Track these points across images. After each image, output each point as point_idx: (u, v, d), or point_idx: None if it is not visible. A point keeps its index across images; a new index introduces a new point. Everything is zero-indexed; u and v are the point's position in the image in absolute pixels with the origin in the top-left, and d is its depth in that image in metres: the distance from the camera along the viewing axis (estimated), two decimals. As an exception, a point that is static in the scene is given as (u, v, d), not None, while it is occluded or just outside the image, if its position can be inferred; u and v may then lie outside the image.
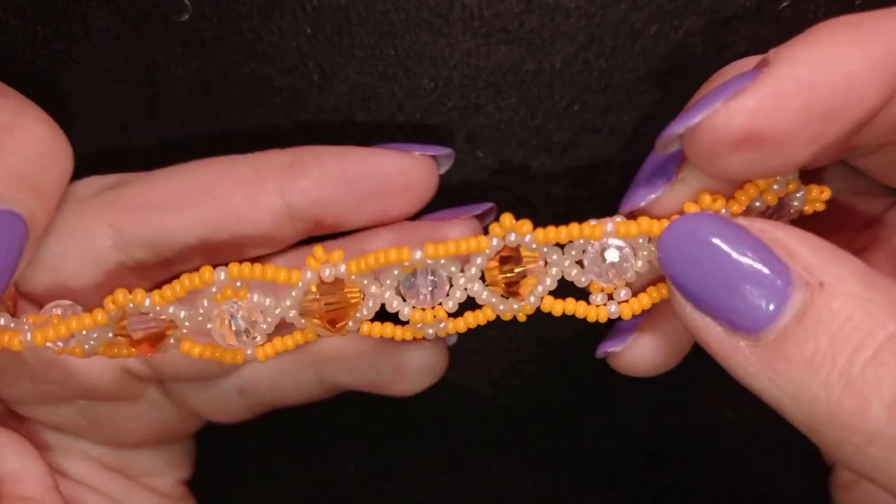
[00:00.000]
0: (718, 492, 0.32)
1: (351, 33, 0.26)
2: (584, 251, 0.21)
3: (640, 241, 0.21)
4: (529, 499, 0.33)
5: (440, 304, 0.22)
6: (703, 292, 0.18)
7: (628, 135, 0.27)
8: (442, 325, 0.22)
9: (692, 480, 0.32)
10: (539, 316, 0.30)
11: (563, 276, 0.22)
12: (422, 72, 0.26)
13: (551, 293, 0.22)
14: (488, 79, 0.26)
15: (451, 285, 0.22)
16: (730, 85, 0.18)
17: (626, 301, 0.21)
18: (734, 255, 0.18)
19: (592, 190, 0.27)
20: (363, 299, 0.22)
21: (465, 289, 0.22)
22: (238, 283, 0.21)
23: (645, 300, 0.21)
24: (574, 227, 0.21)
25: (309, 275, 0.21)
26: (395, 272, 0.22)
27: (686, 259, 0.19)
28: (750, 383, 0.19)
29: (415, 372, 0.25)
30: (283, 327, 0.22)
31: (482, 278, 0.22)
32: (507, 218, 0.21)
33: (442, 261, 0.21)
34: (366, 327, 0.22)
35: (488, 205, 0.24)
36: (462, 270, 0.22)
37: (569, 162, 0.27)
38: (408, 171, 0.23)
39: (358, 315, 0.22)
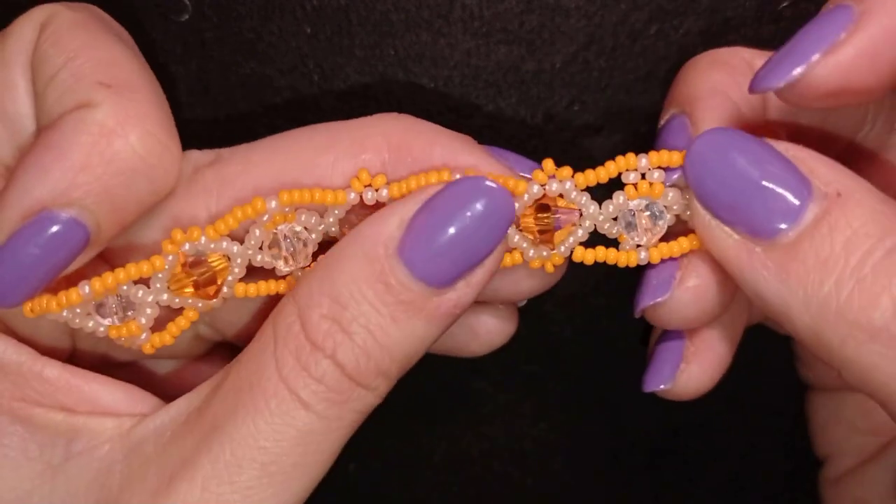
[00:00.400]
0: (718, 492, 0.32)
1: (351, 33, 0.26)
2: (619, 212, 0.22)
3: (671, 196, 0.21)
4: (529, 499, 0.33)
5: None
6: (727, 198, 0.19)
7: (628, 135, 0.27)
8: None
9: (692, 480, 0.32)
10: (539, 316, 0.30)
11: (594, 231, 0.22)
12: (422, 72, 0.26)
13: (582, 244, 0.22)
14: (488, 79, 0.26)
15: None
16: (824, 31, 0.19)
17: (656, 247, 0.22)
18: (759, 163, 0.19)
19: (593, 190, 0.27)
20: None
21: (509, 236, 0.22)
22: (287, 210, 0.22)
23: (675, 248, 0.22)
24: (610, 164, 0.21)
25: (352, 195, 0.21)
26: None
27: (712, 166, 0.20)
28: (761, 289, 0.19)
29: (488, 333, 0.26)
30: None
31: (516, 223, 0.22)
32: (548, 163, 0.21)
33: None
34: None
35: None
36: None
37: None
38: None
39: None
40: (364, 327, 0.20)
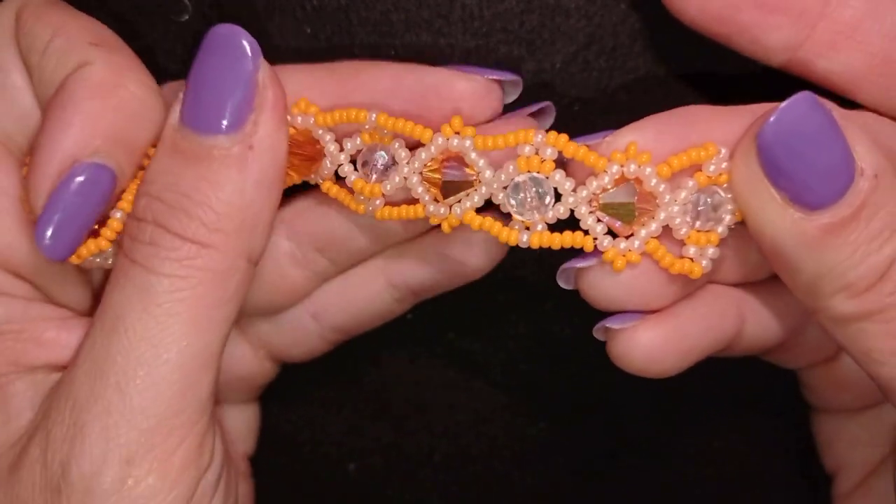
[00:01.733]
0: (719, 492, 0.33)
1: (351, 33, 0.26)
2: (512, 178, 0.21)
3: (557, 177, 0.21)
4: (529, 499, 0.33)
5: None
6: (789, 167, 0.20)
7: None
8: (377, 202, 0.23)
9: (692, 480, 0.32)
10: (539, 315, 0.30)
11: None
12: (422, 72, 0.26)
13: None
14: (488, 79, 0.26)
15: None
16: None
17: (539, 233, 0.22)
18: (822, 133, 0.20)
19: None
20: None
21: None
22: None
23: (558, 239, 0.22)
24: (510, 135, 0.21)
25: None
26: (358, 141, 0.23)
27: (790, 136, 0.20)
28: (784, 248, 0.21)
29: (482, 242, 0.26)
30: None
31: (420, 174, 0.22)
32: (456, 120, 0.22)
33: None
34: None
35: (545, 103, 0.24)
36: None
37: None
38: (475, 94, 0.23)
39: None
40: (176, 192, 0.21)
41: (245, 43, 0.22)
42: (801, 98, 0.20)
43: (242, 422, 0.30)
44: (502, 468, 0.33)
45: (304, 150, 0.24)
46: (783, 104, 0.20)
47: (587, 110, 0.26)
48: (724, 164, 0.21)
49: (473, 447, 0.32)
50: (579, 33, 0.26)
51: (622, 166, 0.21)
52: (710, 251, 0.22)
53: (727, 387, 0.31)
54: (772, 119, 0.20)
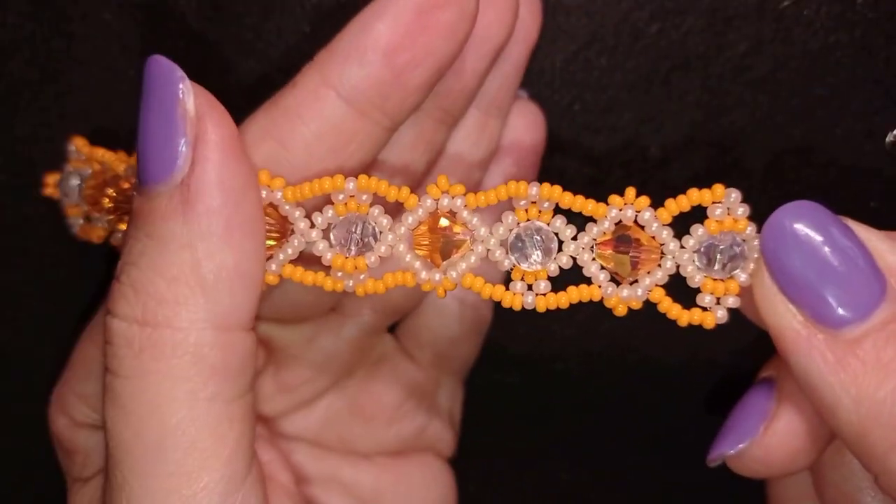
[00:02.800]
0: (720, 492, 0.32)
1: (351, 32, 0.26)
2: (510, 230, 0.20)
3: (558, 224, 0.20)
4: (529, 499, 0.33)
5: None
6: (800, 280, 0.18)
7: (629, 134, 0.27)
8: (362, 278, 0.21)
9: (693, 481, 0.32)
10: (540, 316, 0.30)
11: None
12: (422, 71, 0.26)
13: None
14: (489, 78, 0.26)
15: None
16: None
17: (544, 295, 0.20)
18: (839, 252, 0.18)
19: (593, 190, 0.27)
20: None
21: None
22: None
23: (563, 298, 0.20)
24: (502, 188, 0.20)
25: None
26: (329, 213, 0.21)
27: (791, 242, 0.19)
28: (812, 376, 0.18)
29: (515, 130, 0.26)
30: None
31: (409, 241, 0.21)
32: (442, 179, 0.20)
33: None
34: (288, 270, 0.21)
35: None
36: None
37: (570, 161, 0.27)
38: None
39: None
40: (126, 263, 0.19)
41: (163, 71, 0.19)
42: (802, 203, 0.19)
43: (435, 489, 0.30)
44: (503, 468, 0.33)
45: (274, 228, 0.21)
46: (788, 203, 0.19)
47: (588, 109, 0.26)
48: (739, 210, 0.19)
49: (473, 447, 0.32)
50: (580, 32, 0.26)
51: (620, 211, 0.20)
52: (731, 300, 0.20)
53: (729, 386, 0.30)
54: (771, 216, 0.19)
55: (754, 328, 0.21)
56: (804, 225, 0.18)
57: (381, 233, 0.20)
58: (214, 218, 0.19)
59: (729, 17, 0.25)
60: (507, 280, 0.21)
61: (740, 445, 0.22)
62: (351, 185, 0.20)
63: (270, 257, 0.21)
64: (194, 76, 0.27)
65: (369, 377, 0.28)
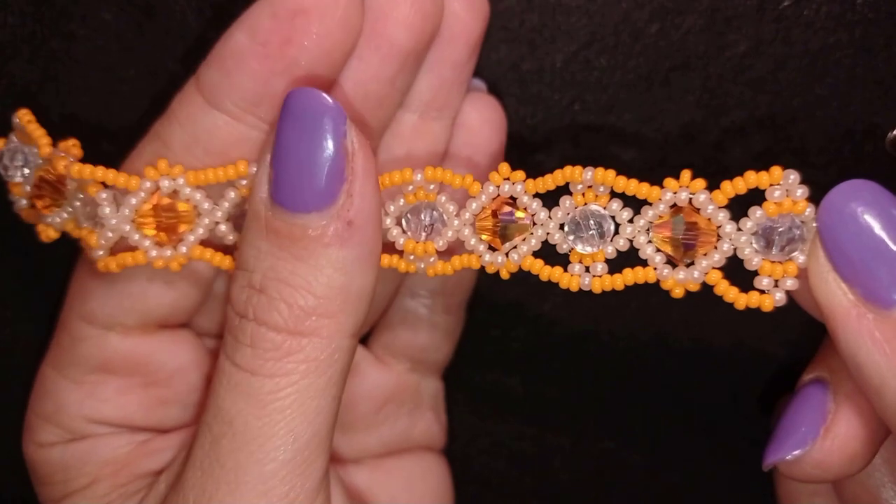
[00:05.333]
0: (720, 492, 0.32)
1: (351, 32, 0.26)
2: (568, 214, 0.21)
3: (614, 206, 0.21)
4: (529, 499, 0.33)
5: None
6: (855, 258, 0.19)
7: (629, 134, 0.27)
8: (431, 260, 0.22)
9: (693, 481, 0.32)
10: (539, 315, 0.30)
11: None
12: (422, 71, 0.26)
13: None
14: (488, 77, 0.26)
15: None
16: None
17: (599, 277, 0.21)
18: (894, 231, 0.18)
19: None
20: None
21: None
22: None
23: (619, 280, 0.21)
24: (559, 173, 0.21)
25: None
26: (401, 202, 0.22)
27: (849, 220, 0.19)
28: (861, 356, 0.19)
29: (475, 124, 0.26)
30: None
31: (472, 224, 0.22)
32: (504, 167, 0.21)
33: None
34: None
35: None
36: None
37: (569, 162, 0.27)
38: None
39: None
40: (274, 279, 0.20)
41: (329, 112, 0.20)
42: (860, 182, 0.19)
43: (430, 484, 0.30)
44: (502, 468, 0.33)
45: None
46: (846, 182, 0.19)
47: (588, 109, 0.26)
48: (798, 191, 0.19)
49: (473, 447, 0.32)
50: (580, 32, 0.26)
51: (675, 193, 0.20)
52: (789, 283, 0.20)
53: (730, 385, 0.30)
54: (829, 193, 0.19)
55: (762, 325, 0.21)
56: (862, 204, 0.19)
57: (447, 219, 0.22)
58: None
59: (729, 17, 0.25)
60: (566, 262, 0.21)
61: (797, 451, 0.21)
62: (418, 176, 0.21)
63: None
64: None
65: None
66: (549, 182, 0.21)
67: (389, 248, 0.22)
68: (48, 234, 0.23)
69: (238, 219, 0.23)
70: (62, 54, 0.27)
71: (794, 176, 0.19)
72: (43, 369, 0.25)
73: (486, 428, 0.32)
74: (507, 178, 0.21)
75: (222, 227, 0.22)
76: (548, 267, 0.21)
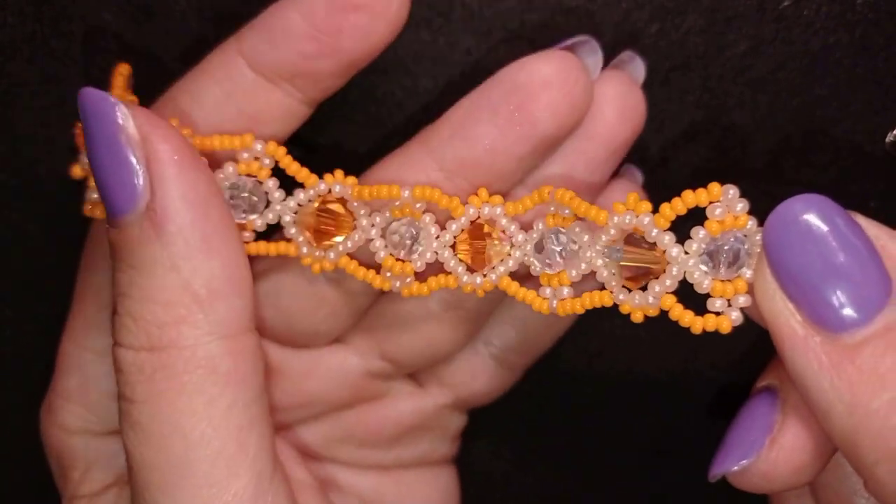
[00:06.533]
0: (720, 492, 0.32)
1: (351, 32, 0.26)
2: (543, 236, 0.21)
3: (578, 229, 0.21)
4: (529, 498, 0.33)
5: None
6: (802, 277, 0.18)
7: (629, 134, 0.27)
8: (408, 280, 0.22)
9: (693, 481, 0.32)
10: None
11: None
12: (422, 71, 0.26)
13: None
14: (489, 77, 0.26)
15: (424, 247, 0.22)
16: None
17: (563, 300, 0.21)
18: (846, 247, 0.17)
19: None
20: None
21: (437, 252, 0.22)
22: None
23: (579, 303, 0.21)
24: (535, 194, 0.21)
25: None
26: (387, 215, 0.22)
27: (795, 236, 0.18)
28: (807, 378, 0.18)
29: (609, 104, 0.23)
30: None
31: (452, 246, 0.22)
32: (483, 191, 0.21)
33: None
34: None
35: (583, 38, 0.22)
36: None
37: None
38: (554, 75, 0.21)
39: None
40: (119, 295, 0.20)
41: (97, 102, 0.19)
42: (810, 195, 0.18)
43: (437, 489, 0.29)
44: (503, 468, 0.33)
45: (328, 222, 0.22)
46: (794, 196, 0.18)
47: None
48: (738, 206, 0.19)
49: (473, 447, 0.32)
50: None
51: (620, 217, 0.19)
52: (741, 300, 0.19)
53: (730, 385, 0.30)
54: (776, 208, 0.18)
55: (754, 332, 0.21)
56: (810, 217, 0.18)
57: (427, 239, 0.22)
58: (189, 234, 0.19)
59: (729, 17, 0.25)
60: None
61: (744, 462, 0.21)
62: (406, 193, 0.21)
63: (330, 247, 0.22)
64: (194, 76, 0.27)
65: (368, 409, 0.27)
66: (527, 203, 0.21)
67: (369, 261, 0.22)
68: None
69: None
70: (62, 54, 0.27)
71: (733, 191, 0.19)
72: (63, 347, 0.24)
73: (487, 428, 0.32)
74: (487, 202, 0.21)
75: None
76: (522, 288, 0.21)
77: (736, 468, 0.21)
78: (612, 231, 0.20)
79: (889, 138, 0.26)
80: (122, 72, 0.24)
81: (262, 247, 0.23)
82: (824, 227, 0.18)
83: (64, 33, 0.27)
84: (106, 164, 0.19)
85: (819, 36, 0.25)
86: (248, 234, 0.23)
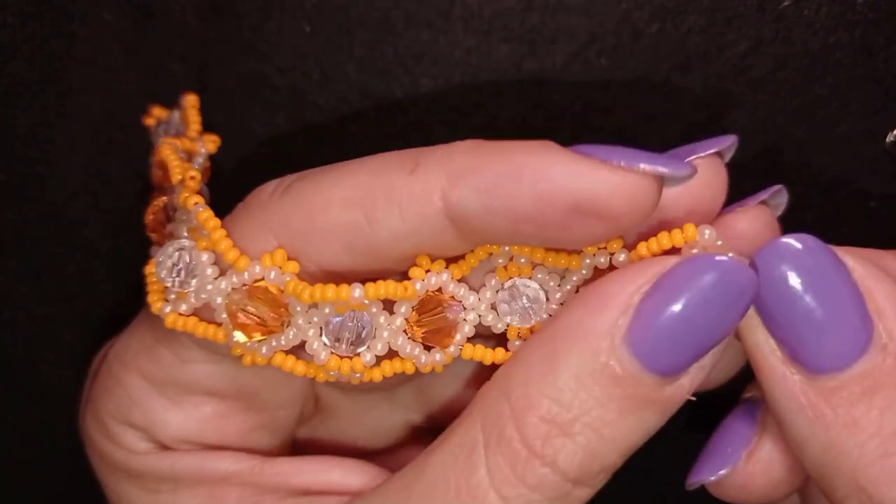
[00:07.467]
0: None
1: (351, 32, 0.26)
2: (496, 291, 0.20)
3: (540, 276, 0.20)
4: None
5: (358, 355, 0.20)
6: (785, 317, 0.18)
7: (630, 134, 0.27)
8: (357, 376, 0.21)
9: (671, 490, 0.32)
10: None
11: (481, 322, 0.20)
12: (422, 71, 0.26)
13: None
14: (489, 77, 0.26)
15: (374, 337, 0.20)
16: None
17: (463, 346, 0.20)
18: (826, 300, 0.18)
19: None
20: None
21: (389, 342, 0.20)
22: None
23: (478, 353, 0.21)
24: (479, 250, 0.20)
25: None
26: (327, 310, 0.20)
27: (779, 282, 0.18)
28: (784, 413, 0.18)
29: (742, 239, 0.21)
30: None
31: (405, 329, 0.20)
32: (423, 259, 0.20)
33: (374, 309, 0.20)
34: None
35: (729, 139, 0.20)
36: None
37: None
38: (623, 193, 0.17)
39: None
40: (588, 426, 0.18)
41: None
42: (802, 236, 0.18)
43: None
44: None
45: (265, 313, 0.20)
46: (780, 239, 0.18)
47: (588, 109, 0.26)
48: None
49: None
50: (581, 32, 0.26)
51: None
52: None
53: (729, 385, 0.30)
54: (761, 250, 0.18)
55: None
56: (793, 268, 0.18)
57: (377, 329, 0.20)
58: None
59: (729, 17, 0.25)
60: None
61: (721, 472, 0.21)
62: (357, 292, 0.19)
63: (262, 340, 0.20)
64: (194, 76, 0.27)
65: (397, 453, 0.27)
66: (472, 262, 0.20)
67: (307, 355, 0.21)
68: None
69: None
70: (62, 54, 0.27)
71: (709, 231, 0.18)
72: (125, 376, 0.23)
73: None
74: (429, 270, 0.20)
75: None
76: (489, 350, 0.21)
77: (713, 478, 0.21)
78: (584, 272, 0.20)
79: (889, 138, 0.26)
80: (193, 103, 0.24)
81: (191, 325, 0.21)
82: (804, 282, 0.18)
83: (64, 33, 0.27)
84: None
85: (819, 36, 0.25)
86: (184, 308, 0.21)
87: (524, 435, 0.18)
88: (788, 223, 0.28)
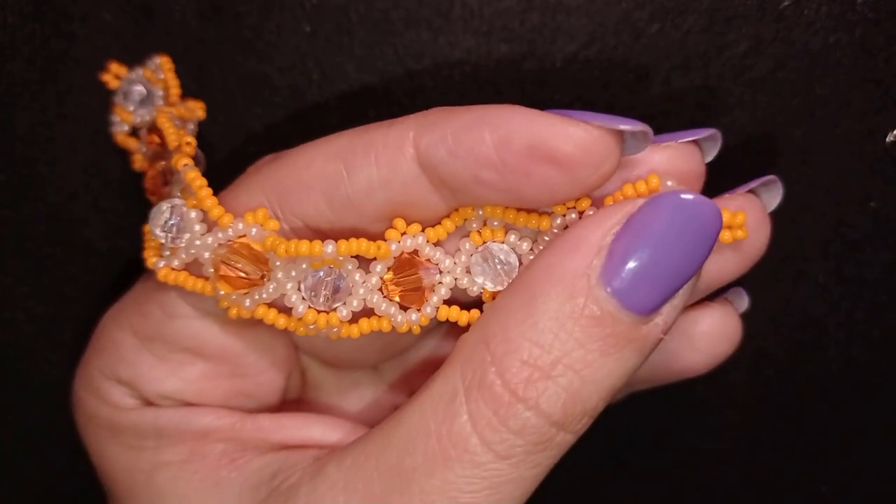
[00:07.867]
0: (719, 492, 0.32)
1: (351, 32, 0.26)
2: (471, 255, 0.21)
3: (512, 238, 0.21)
4: (529, 498, 0.33)
5: (335, 309, 0.21)
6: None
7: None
8: (335, 330, 0.21)
9: (692, 480, 0.32)
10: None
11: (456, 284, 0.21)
12: (422, 70, 0.26)
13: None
14: (489, 77, 0.26)
15: (351, 294, 0.21)
16: None
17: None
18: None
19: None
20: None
21: (364, 299, 0.21)
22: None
23: (454, 313, 0.21)
24: (455, 214, 0.20)
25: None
26: (304, 265, 0.21)
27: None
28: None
29: (706, 336, 0.23)
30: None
31: (381, 287, 0.21)
32: (399, 221, 0.20)
33: (349, 266, 0.20)
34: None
35: (710, 130, 0.21)
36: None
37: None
38: (577, 139, 0.19)
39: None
40: (570, 368, 0.18)
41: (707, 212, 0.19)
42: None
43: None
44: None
45: (247, 266, 0.21)
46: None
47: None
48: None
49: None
50: (581, 32, 0.26)
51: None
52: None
53: (729, 385, 0.30)
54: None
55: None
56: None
57: (353, 286, 0.21)
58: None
59: (729, 17, 0.25)
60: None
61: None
62: (330, 248, 0.20)
63: (246, 293, 0.21)
64: (194, 76, 0.27)
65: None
66: (448, 226, 0.21)
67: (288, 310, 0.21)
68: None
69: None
70: (62, 54, 0.27)
71: (671, 182, 0.19)
72: (117, 333, 0.24)
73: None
74: (405, 233, 0.20)
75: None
76: (465, 312, 0.21)
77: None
78: (556, 230, 0.20)
79: (889, 138, 0.26)
80: (169, 66, 0.25)
81: (182, 278, 0.22)
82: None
83: (64, 33, 0.27)
84: (684, 269, 0.19)
85: (819, 36, 0.25)
86: (176, 263, 0.22)
87: (506, 379, 0.18)
88: (788, 223, 0.28)
